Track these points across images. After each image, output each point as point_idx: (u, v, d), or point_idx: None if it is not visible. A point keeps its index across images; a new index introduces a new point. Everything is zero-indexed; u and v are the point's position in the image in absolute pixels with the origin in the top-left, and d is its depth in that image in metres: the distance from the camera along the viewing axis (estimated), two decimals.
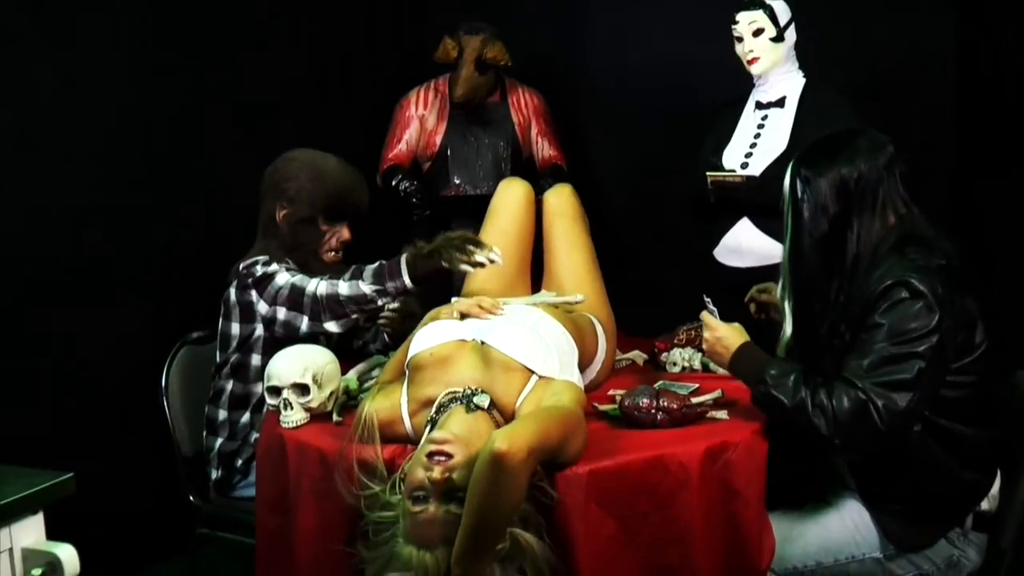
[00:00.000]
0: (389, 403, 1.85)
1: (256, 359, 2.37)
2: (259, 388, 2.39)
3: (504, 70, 3.36)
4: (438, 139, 3.36)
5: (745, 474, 1.78)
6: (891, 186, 1.83)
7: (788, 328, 1.92)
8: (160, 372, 2.56)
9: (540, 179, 3.37)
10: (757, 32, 2.61)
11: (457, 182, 3.37)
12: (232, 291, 2.35)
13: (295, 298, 2.25)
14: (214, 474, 2.45)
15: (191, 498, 2.51)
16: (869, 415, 1.70)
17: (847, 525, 1.89)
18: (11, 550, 1.28)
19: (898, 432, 1.73)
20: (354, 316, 2.23)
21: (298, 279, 2.27)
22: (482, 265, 2.13)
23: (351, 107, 3.68)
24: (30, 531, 1.30)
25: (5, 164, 2.64)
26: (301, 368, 1.99)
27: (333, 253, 2.45)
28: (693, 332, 2.35)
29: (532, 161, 3.47)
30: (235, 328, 2.37)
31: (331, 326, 2.23)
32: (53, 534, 1.33)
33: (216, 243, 2.58)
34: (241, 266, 2.37)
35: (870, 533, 1.87)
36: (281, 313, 2.27)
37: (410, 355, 1.92)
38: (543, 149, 3.45)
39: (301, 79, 3.51)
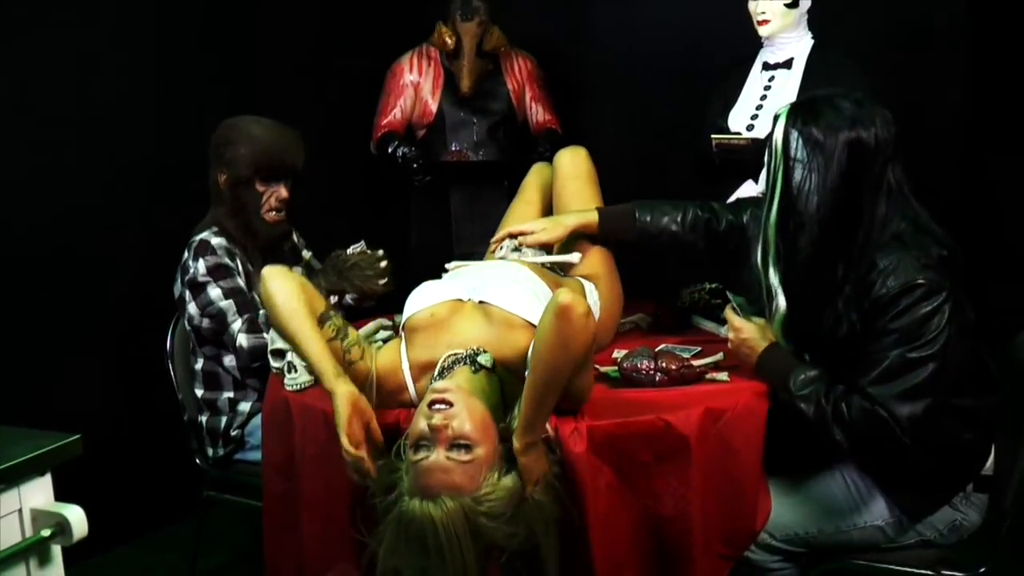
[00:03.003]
0: (392, 370, 1.84)
1: (209, 345, 2.46)
2: (227, 362, 2.45)
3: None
4: (434, 107, 3.34)
5: (744, 434, 1.78)
6: (900, 164, 1.75)
7: (781, 302, 1.84)
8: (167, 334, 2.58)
9: (537, 144, 3.36)
10: None
11: (455, 148, 3.35)
12: (176, 282, 2.46)
13: (219, 326, 2.38)
14: (210, 451, 2.50)
15: (198, 461, 2.54)
16: (890, 430, 1.68)
17: (850, 492, 1.89)
18: (20, 511, 1.28)
19: (922, 438, 1.71)
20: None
21: (226, 305, 2.37)
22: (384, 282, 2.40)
23: (350, 75, 3.65)
24: (38, 492, 1.31)
25: (7, 129, 2.64)
26: None
27: (274, 213, 2.51)
28: (697, 295, 2.35)
29: (527, 125, 3.46)
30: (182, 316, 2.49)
31: (243, 364, 2.40)
32: (61, 496, 1.34)
33: None
34: (184, 256, 2.45)
35: (873, 501, 1.88)
36: (206, 323, 2.40)
37: (406, 316, 1.91)
38: (537, 113, 3.44)
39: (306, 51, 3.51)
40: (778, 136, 1.78)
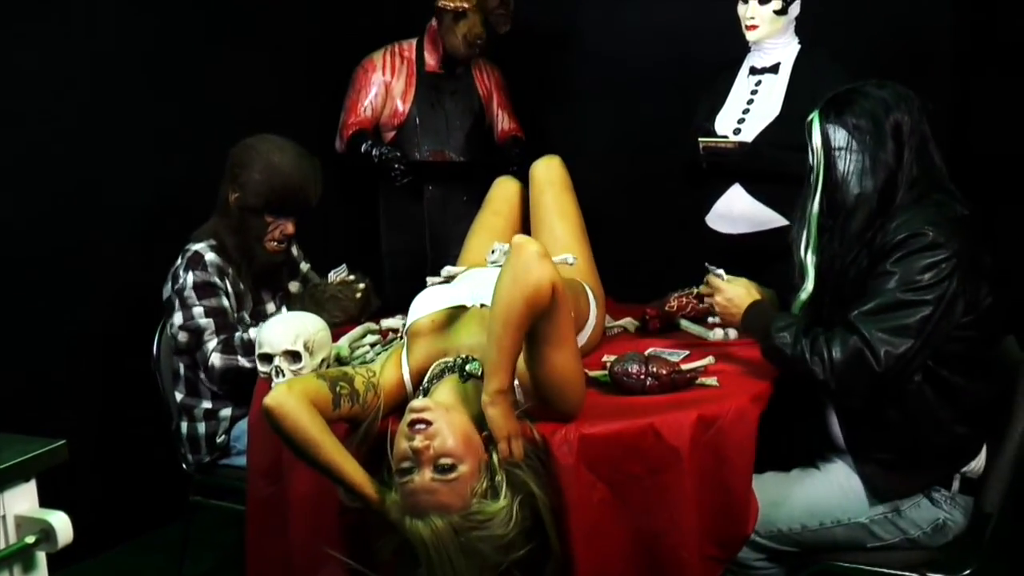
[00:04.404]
0: (396, 384, 1.84)
1: (186, 355, 2.45)
2: (203, 376, 2.43)
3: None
4: (406, 107, 3.28)
5: (736, 442, 1.78)
6: (927, 128, 1.85)
7: (809, 286, 1.92)
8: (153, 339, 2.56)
9: (501, 149, 3.36)
10: (763, 0, 2.59)
11: (429, 149, 3.31)
12: (167, 285, 2.44)
13: (195, 342, 2.37)
14: (190, 457, 2.49)
15: (184, 466, 2.53)
16: (865, 360, 1.73)
17: (833, 489, 1.91)
18: (4, 517, 1.27)
19: (895, 377, 1.76)
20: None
21: (205, 323, 2.36)
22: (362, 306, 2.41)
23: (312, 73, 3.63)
24: (23, 498, 1.29)
25: None
26: (293, 335, 1.99)
27: (276, 243, 2.49)
28: (684, 299, 2.35)
29: (491, 132, 3.45)
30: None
31: (214, 384, 2.40)
32: (46, 502, 1.33)
33: (213, 208, 2.57)
34: (177, 261, 2.42)
35: (856, 497, 1.89)
36: (182, 336, 2.39)
37: (409, 322, 1.92)
38: (503, 121, 3.44)
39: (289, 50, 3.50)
40: (816, 136, 1.88)
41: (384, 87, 3.28)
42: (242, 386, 2.37)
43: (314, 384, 1.71)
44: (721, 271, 2.10)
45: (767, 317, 1.92)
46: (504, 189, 2.59)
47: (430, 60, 3.30)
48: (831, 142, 1.86)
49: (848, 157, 1.84)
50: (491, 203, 2.56)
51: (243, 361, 2.34)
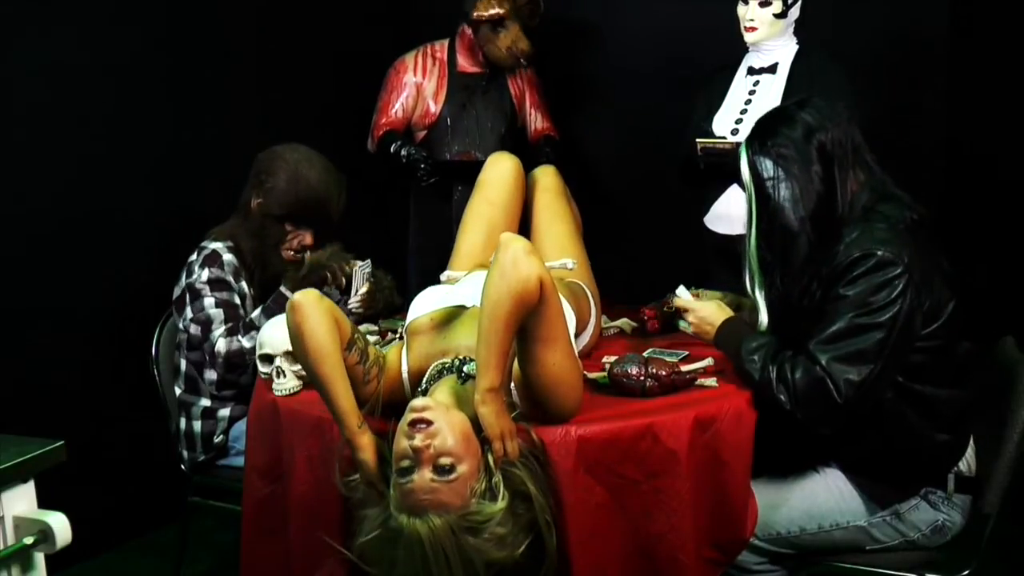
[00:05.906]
0: (393, 378, 1.85)
1: (195, 351, 2.43)
2: (207, 375, 2.42)
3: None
4: (437, 108, 3.29)
5: (734, 444, 1.78)
6: (857, 136, 1.84)
7: (764, 318, 1.91)
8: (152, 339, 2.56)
9: (534, 150, 3.35)
10: (764, 3, 2.59)
11: (460, 148, 3.32)
12: (180, 281, 2.42)
13: (203, 333, 2.35)
14: (186, 454, 2.48)
15: (182, 467, 2.52)
16: (827, 390, 1.72)
17: (832, 493, 1.91)
18: (2, 518, 1.27)
19: (858, 404, 1.74)
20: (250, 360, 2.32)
21: (215, 313, 2.35)
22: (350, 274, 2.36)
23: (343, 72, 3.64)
24: (21, 499, 1.29)
25: None
26: None
27: (293, 253, 2.49)
28: None
29: (524, 130, 3.45)
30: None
31: (220, 373, 2.36)
32: (44, 503, 1.33)
33: (212, 208, 2.58)
34: (192, 257, 2.41)
35: (855, 501, 1.90)
36: (193, 329, 2.37)
37: (408, 320, 1.92)
38: (536, 121, 3.43)
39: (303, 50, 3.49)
40: (745, 169, 1.87)
41: (415, 88, 3.29)
42: (247, 380, 2.35)
43: (341, 314, 1.75)
44: (686, 292, 2.07)
45: (739, 337, 1.89)
46: (497, 170, 2.49)
47: (462, 61, 3.30)
48: (761, 173, 1.84)
49: (779, 187, 1.82)
50: (483, 188, 2.48)
51: (245, 342, 2.31)
